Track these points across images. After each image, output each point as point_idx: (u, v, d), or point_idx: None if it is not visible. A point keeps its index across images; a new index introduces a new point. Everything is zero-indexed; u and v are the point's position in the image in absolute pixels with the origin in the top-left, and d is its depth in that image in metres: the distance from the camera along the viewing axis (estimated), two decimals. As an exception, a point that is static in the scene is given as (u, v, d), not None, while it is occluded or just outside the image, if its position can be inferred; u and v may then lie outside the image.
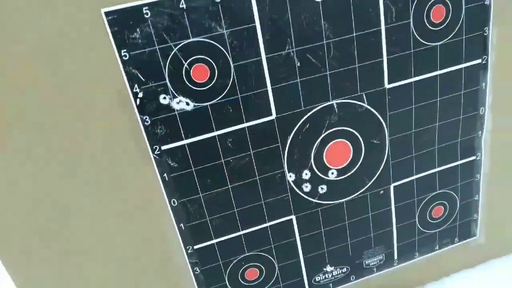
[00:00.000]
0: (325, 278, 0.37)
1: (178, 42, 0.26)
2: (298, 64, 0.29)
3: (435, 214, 0.39)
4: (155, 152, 0.29)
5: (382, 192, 0.36)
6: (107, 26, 0.25)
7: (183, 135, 0.29)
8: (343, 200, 0.35)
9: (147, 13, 0.25)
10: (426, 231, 0.39)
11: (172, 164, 0.29)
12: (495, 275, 0.42)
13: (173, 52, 0.27)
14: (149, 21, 0.25)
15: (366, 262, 0.38)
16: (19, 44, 0.24)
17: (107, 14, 0.25)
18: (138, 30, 0.25)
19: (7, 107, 0.25)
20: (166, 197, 0.30)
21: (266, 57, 0.28)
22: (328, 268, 0.37)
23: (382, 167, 0.34)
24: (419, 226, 0.39)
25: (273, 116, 0.30)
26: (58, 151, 0.27)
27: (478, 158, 0.37)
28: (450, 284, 0.42)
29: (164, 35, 0.26)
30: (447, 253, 0.41)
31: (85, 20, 0.24)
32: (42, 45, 0.24)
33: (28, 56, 0.24)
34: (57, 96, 0.26)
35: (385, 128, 0.33)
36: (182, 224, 0.32)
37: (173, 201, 0.31)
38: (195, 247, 0.33)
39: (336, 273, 0.38)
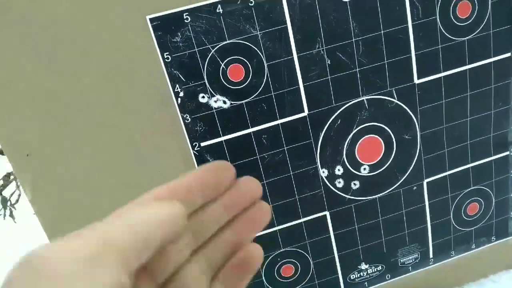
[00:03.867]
0: (360, 276, 0.37)
1: (216, 44, 0.28)
2: (329, 62, 0.30)
3: (470, 211, 0.38)
4: (195, 149, 0.30)
5: (415, 188, 0.36)
6: (152, 31, 0.27)
7: (220, 132, 0.30)
8: (376, 196, 0.35)
9: (187, 18, 0.27)
10: (461, 228, 0.39)
11: (210, 160, 0.31)
12: (538, 276, 0.41)
13: (210, 54, 0.28)
14: (189, 26, 0.27)
15: (401, 261, 0.38)
16: (73, 49, 0.26)
17: (152, 20, 0.27)
18: (179, 34, 0.28)
19: (63, 107, 0.28)
20: (204, 193, 0.32)
21: (297, 56, 0.30)
22: (363, 266, 0.37)
23: (414, 162, 0.35)
24: (454, 224, 0.38)
25: (305, 113, 0.31)
26: (105, 148, 0.29)
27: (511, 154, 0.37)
28: (489, 285, 0.41)
29: (203, 38, 0.28)
30: (484, 253, 0.40)
31: (131, 26, 0.27)
32: (94, 49, 0.27)
33: (81, 59, 0.27)
34: (104, 96, 0.28)
35: (416, 123, 0.34)
36: (219, 220, 0.33)
37: (211, 197, 0.32)
38: (232, 243, 0.34)
39: (371, 271, 0.38)
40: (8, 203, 0.56)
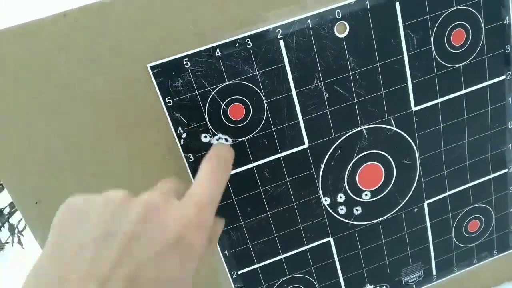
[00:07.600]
0: (365, 296, 0.38)
1: (216, 86, 0.29)
2: (327, 96, 0.31)
3: (471, 228, 0.39)
4: (199, 186, 0.31)
5: (416, 210, 0.36)
6: (153, 78, 0.28)
7: (223, 169, 0.31)
8: (378, 220, 0.36)
9: (187, 64, 0.28)
10: (463, 245, 0.39)
11: (214, 196, 0.32)
12: (539, 286, 0.42)
13: (211, 95, 0.29)
14: (189, 70, 0.28)
15: (405, 279, 0.39)
16: (75, 99, 0.27)
17: (152, 68, 0.27)
18: (179, 79, 0.28)
19: (70, 158, 0.28)
20: (210, 227, 0.32)
21: (296, 92, 0.30)
22: (368, 287, 0.38)
23: (414, 186, 0.35)
24: (455, 241, 0.39)
25: (306, 145, 0.32)
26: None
27: (510, 171, 0.38)
28: (493, 297, 0.42)
29: (203, 81, 0.29)
30: (486, 267, 0.41)
31: (133, 74, 0.27)
32: (97, 97, 0.27)
33: (83, 108, 0.27)
34: (109, 139, 0.29)
35: (415, 149, 0.34)
36: (226, 251, 0.34)
37: (217, 230, 0.33)
38: (239, 272, 0.35)
39: (376, 291, 0.38)
40: (16, 230, 0.57)
